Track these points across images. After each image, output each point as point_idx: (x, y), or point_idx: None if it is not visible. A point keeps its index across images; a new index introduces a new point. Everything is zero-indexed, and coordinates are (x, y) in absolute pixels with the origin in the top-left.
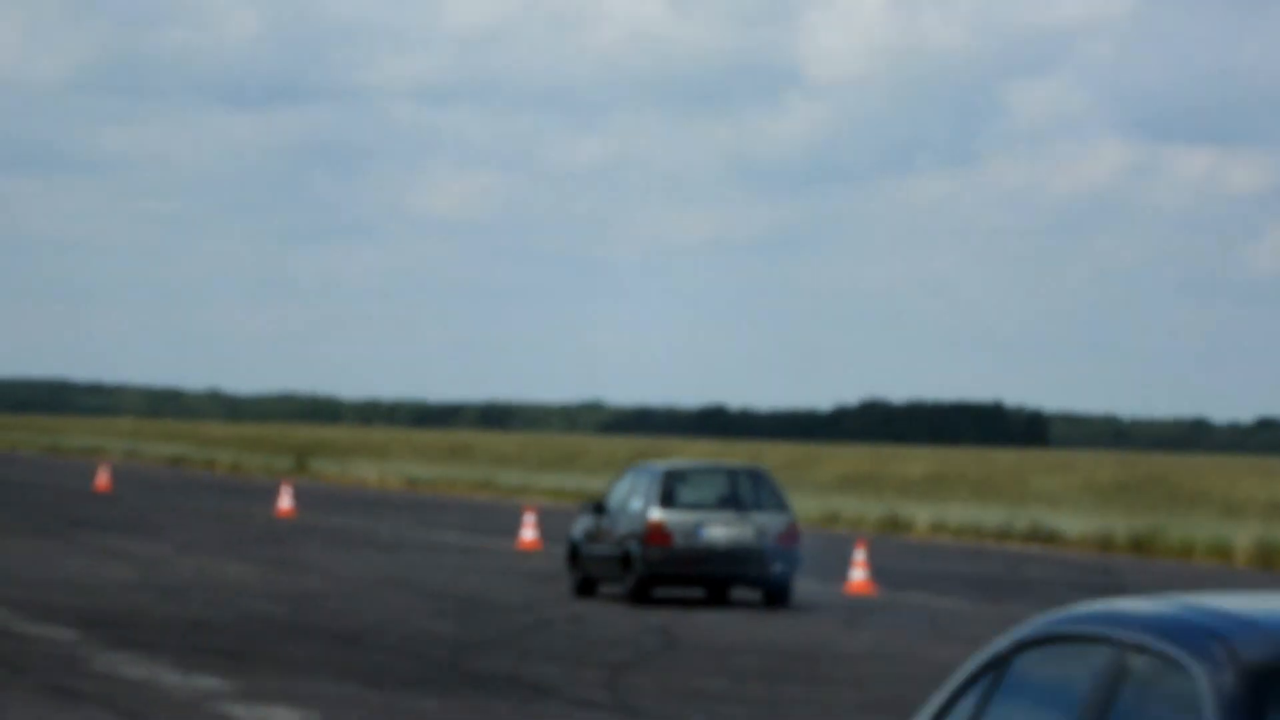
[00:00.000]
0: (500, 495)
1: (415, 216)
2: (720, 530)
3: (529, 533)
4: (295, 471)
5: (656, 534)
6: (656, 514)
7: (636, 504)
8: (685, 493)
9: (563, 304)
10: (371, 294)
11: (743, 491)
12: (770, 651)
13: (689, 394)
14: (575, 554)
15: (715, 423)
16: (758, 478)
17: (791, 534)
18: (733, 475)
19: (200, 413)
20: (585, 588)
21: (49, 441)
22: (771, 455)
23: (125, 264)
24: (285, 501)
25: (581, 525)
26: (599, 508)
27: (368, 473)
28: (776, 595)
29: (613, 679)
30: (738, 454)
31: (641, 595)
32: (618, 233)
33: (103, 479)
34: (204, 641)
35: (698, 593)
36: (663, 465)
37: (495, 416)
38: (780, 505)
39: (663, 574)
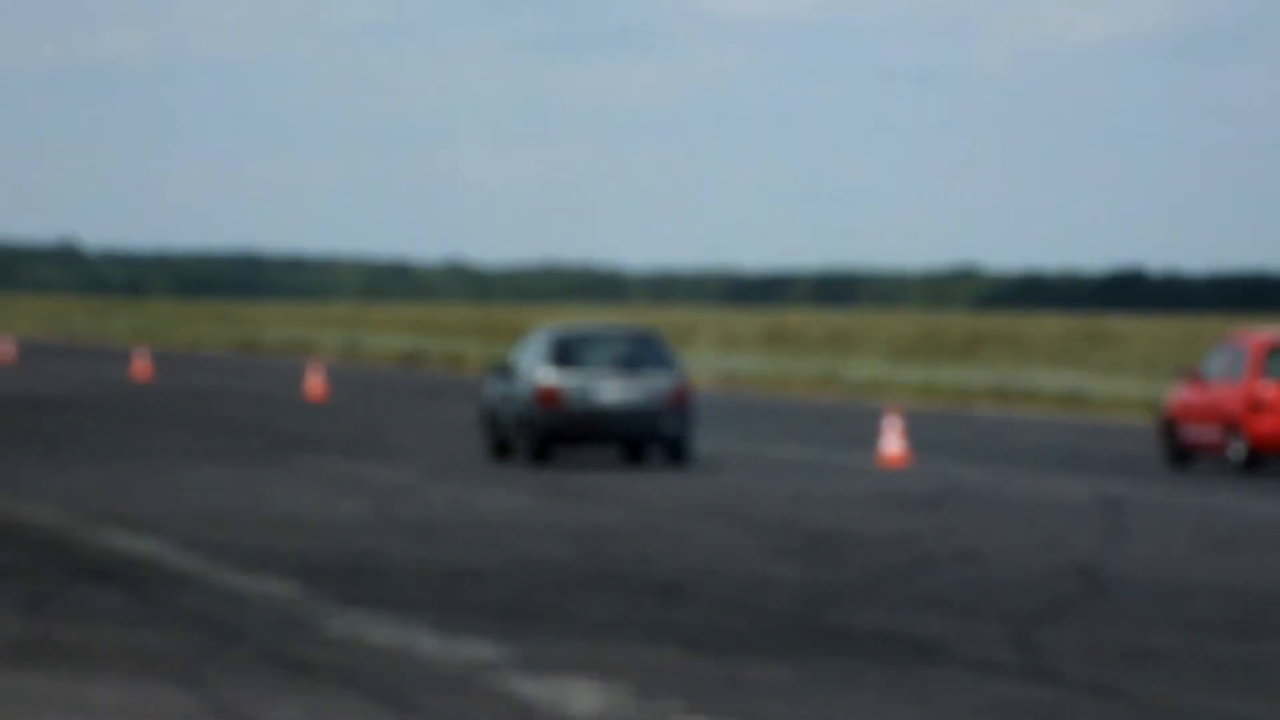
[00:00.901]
0: (849, 394)
1: (712, 18)
2: (611, 391)
3: (892, 443)
4: None
5: (550, 397)
6: (551, 377)
7: (533, 368)
8: (579, 356)
9: (911, 140)
10: (656, 125)
11: (634, 354)
12: (1234, 596)
13: (1091, 254)
14: (490, 418)
15: (1130, 290)
16: (648, 341)
17: (681, 395)
18: (625, 338)
19: (436, 292)
20: (499, 449)
21: (242, 335)
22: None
23: (327, 96)
24: None
25: (492, 388)
26: (503, 370)
27: None
28: (672, 453)
29: (1020, 635)
30: (1171, 333)
31: (541, 456)
32: (990, 36)
33: (316, 384)
34: (468, 596)
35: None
36: (557, 330)
37: (833, 290)
38: (670, 366)
39: (559, 435)
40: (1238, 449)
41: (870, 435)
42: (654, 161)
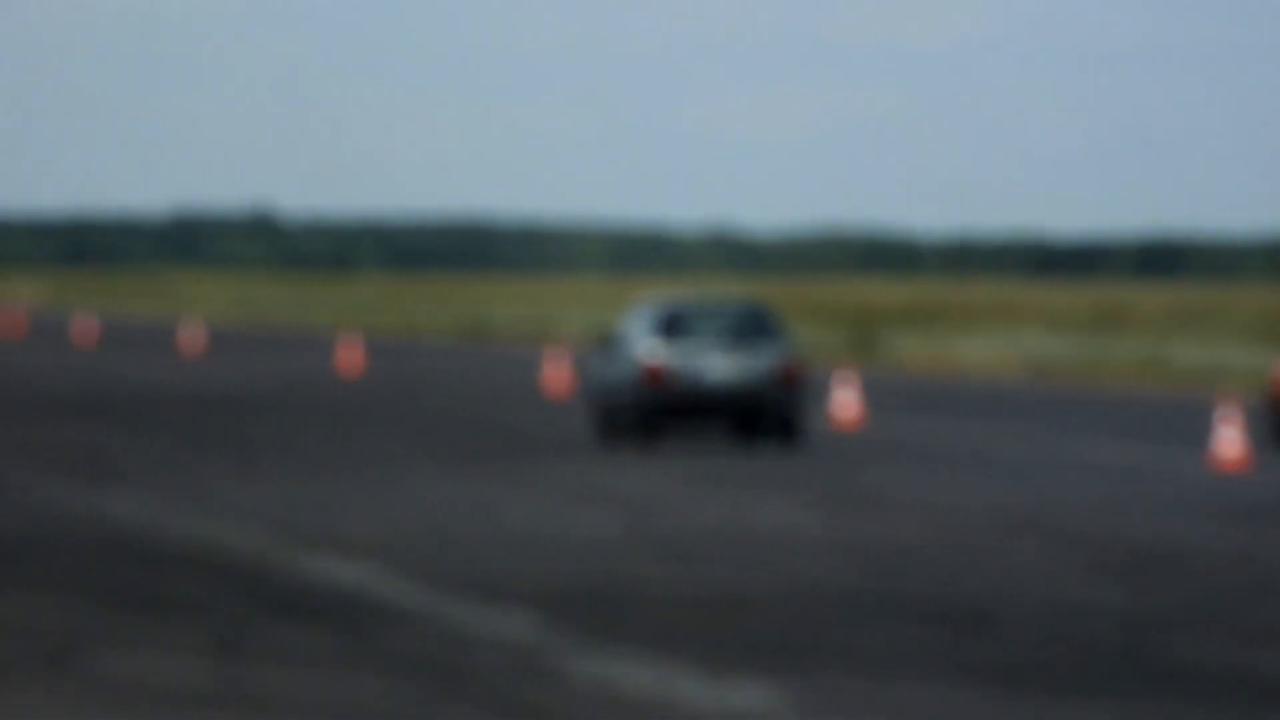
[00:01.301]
0: (1180, 383)
1: None
2: (720, 364)
3: (1229, 441)
4: (854, 351)
5: (654, 375)
6: (656, 354)
7: (637, 343)
8: (685, 330)
9: (1246, 85)
10: (948, 68)
11: (742, 327)
12: None
13: None
14: (595, 396)
15: None
16: (757, 313)
17: (791, 371)
18: (733, 312)
19: (695, 261)
20: (607, 430)
21: (468, 317)
22: None
23: (561, 31)
24: (846, 399)
25: (596, 364)
26: (606, 344)
27: (969, 351)
28: (782, 434)
29: None
30: None
31: (646, 434)
32: None
33: (556, 375)
34: (737, 629)
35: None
36: (661, 300)
37: (1161, 260)
38: (779, 340)
39: (663, 411)
40: None
41: (1203, 432)
42: (945, 112)
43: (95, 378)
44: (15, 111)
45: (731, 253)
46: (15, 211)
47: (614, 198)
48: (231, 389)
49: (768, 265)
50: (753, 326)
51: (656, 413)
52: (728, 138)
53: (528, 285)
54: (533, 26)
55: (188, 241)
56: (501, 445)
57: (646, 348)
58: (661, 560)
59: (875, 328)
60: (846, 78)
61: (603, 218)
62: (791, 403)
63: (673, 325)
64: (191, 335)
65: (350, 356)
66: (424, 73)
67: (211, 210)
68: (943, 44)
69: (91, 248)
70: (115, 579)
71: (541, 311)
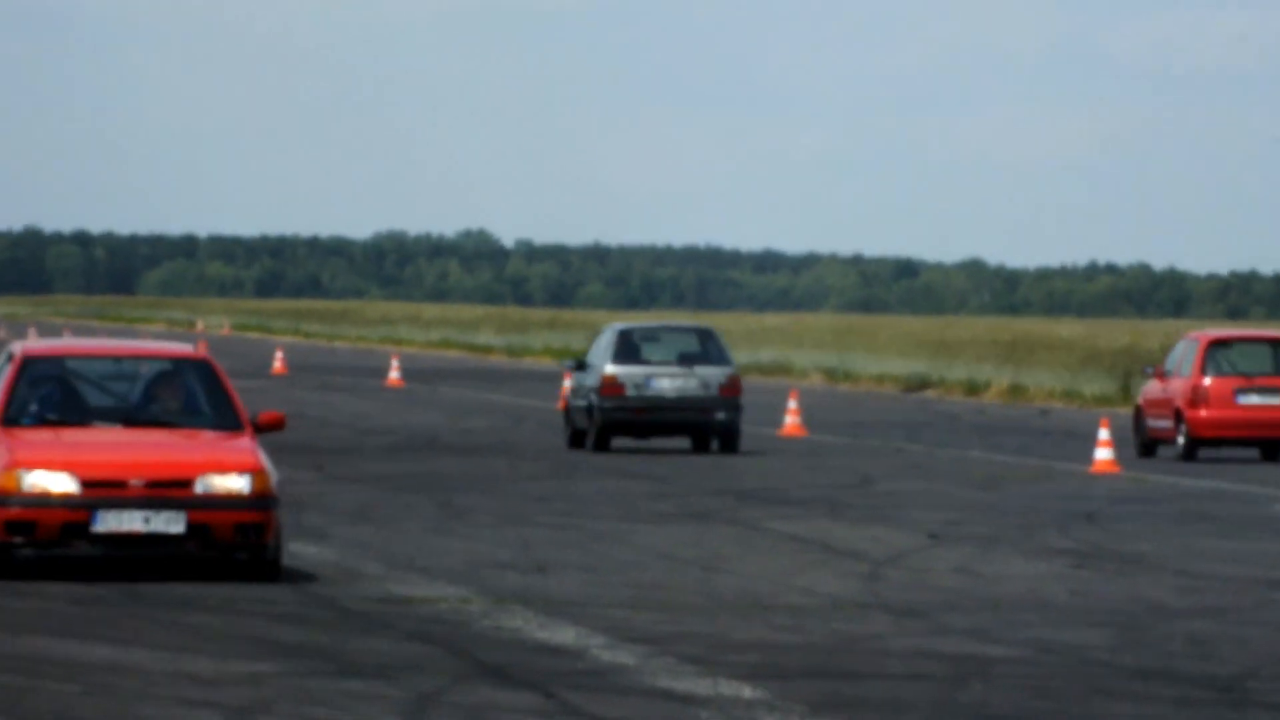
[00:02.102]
0: None
1: None
2: (668, 382)
3: None
4: (1122, 394)
5: (611, 386)
6: (611, 369)
7: (598, 361)
8: (640, 350)
9: None
10: None
11: (691, 348)
12: None
13: None
14: (569, 410)
15: None
16: (706, 336)
17: (733, 385)
18: (683, 333)
19: (951, 294)
20: (575, 440)
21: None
22: None
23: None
24: (1104, 444)
25: (571, 381)
26: (580, 365)
27: None
28: (723, 442)
29: None
30: None
31: (601, 444)
32: None
33: (790, 416)
34: (975, 698)
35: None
36: (620, 325)
37: None
38: (724, 360)
39: (617, 424)
40: (1181, 437)
41: None
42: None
43: (292, 412)
44: (231, 136)
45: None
46: (218, 235)
47: (858, 230)
48: (438, 427)
49: (1027, 300)
50: (700, 348)
51: (613, 421)
52: (982, 167)
53: (765, 320)
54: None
55: (392, 267)
56: (729, 492)
57: (607, 367)
58: (897, 621)
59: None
60: (1120, 100)
61: (845, 250)
62: (732, 415)
63: (629, 346)
64: (397, 367)
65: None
66: (662, 96)
67: (423, 234)
68: (1214, 65)
69: (291, 273)
70: (306, 635)
71: (781, 348)
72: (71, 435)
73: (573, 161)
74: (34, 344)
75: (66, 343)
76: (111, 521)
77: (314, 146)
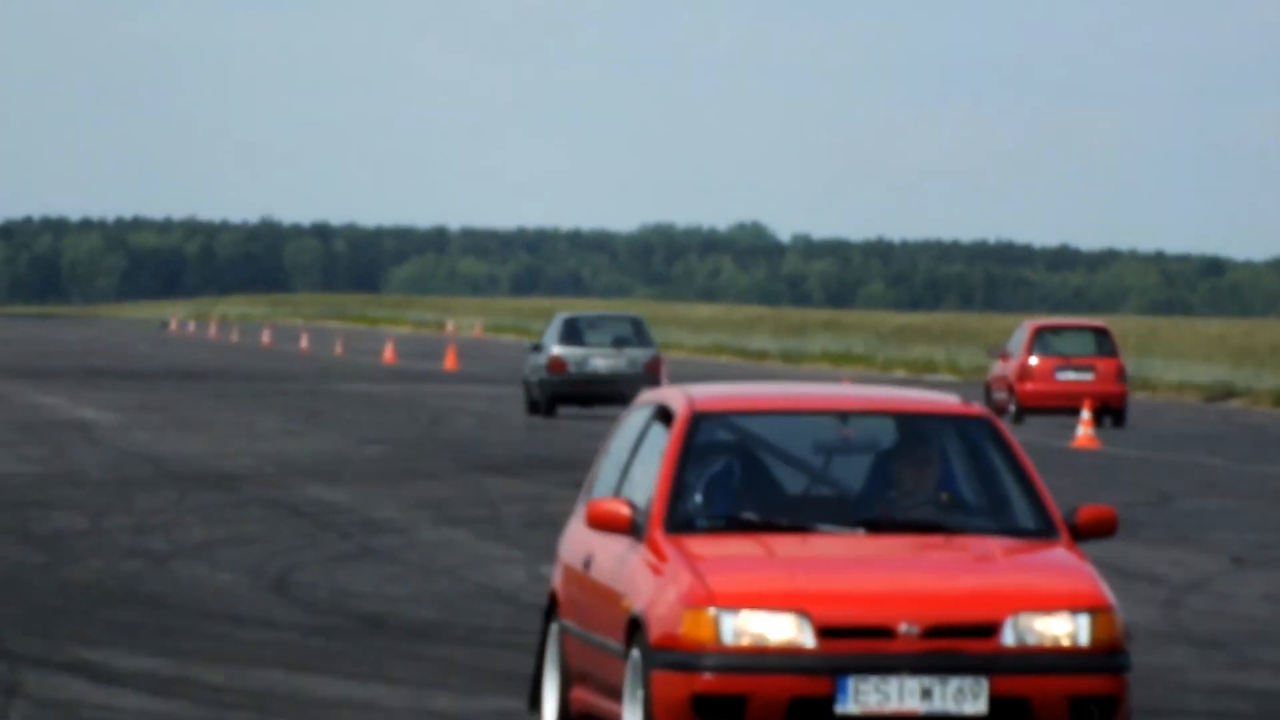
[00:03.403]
0: None
1: None
2: (601, 361)
3: None
4: None
5: (556, 364)
6: (557, 350)
7: (548, 343)
8: (581, 334)
9: None
10: None
11: (624, 333)
12: None
13: None
14: (526, 382)
15: None
16: (637, 323)
17: (654, 364)
18: (616, 320)
19: (1259, 293)
20: (532, 409)
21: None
22: None
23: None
24: None
25: (528, 361)
26: (537, 347)
27: None
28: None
29: None
30: None
31: (549, 410)
32: None
33: (1082, 426)
34: None
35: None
36: (565, 314)
37: None
38: (649, 343)
39: (560, 395)
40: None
41: None
42: None
43: (552, 435)
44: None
45: None
46: (470, 228)
47: (1160, 224)
48: None
49: None
50: (630, 334)
51: (557, 393)
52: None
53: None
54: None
55: (659, 263)
56: None
57: (553, 348)
58: (1197, 652)
59: None
60: None
61: (1146, 246)
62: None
63: (571, 332)
64: (665, 374)
65: None
66: (946, 83)
67: (692, 228)
68: None
69: (549, 270)
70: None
71: None
72: (786, 547)
73: (853, 150)
74: (701, 393)
75: (745, 392)
76: (871, 697)
77: (572, 133)
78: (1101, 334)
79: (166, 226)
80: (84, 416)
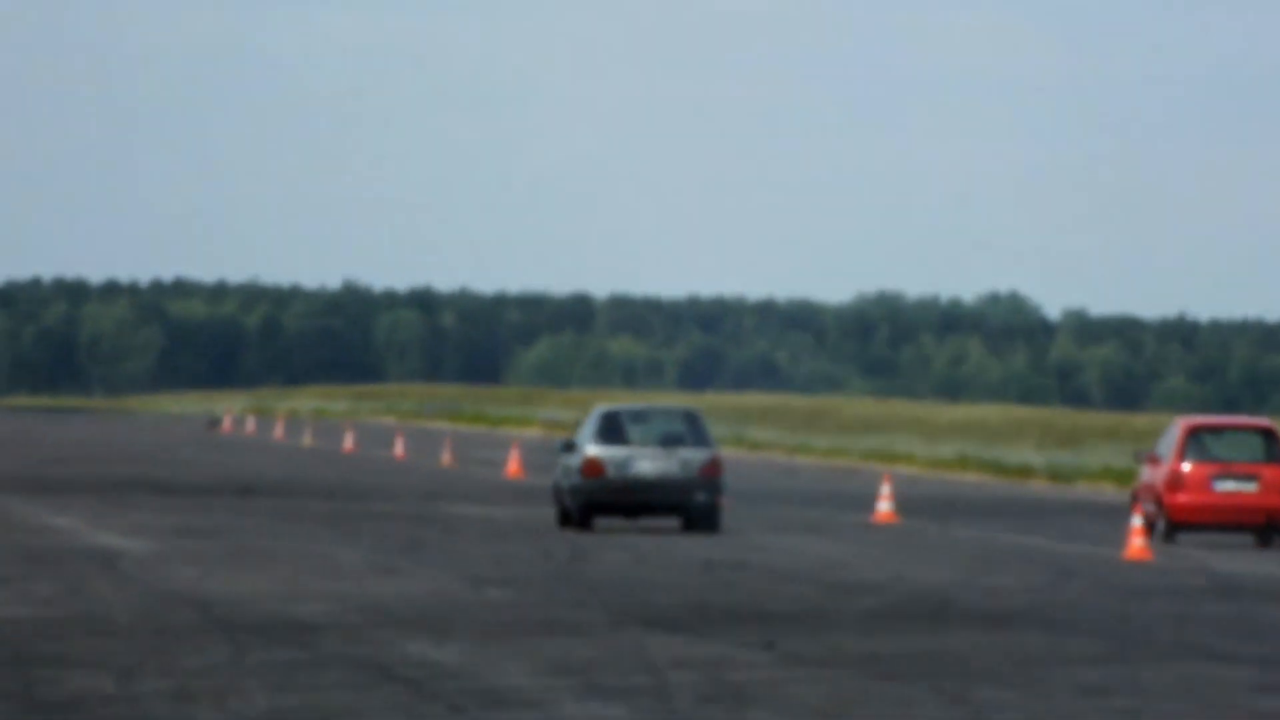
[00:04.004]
0: None
1: None
2: (647, 464)
3: None
4: None
5: (592, 467)
6: (593, 450)
7: (583, 442)
8: (622, 431)
9: None
10: None
11: (674, 429)
12: None
13: None
14: (557, 488)
15: None
16: (691, 416)
17: (711, 467)
18: (667, 415)
19: None
20: (563, 520)
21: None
22: None
23: None
24: None
25: (560, 463)
26: (570, 446)
27: None
28: (703, 522)
29: None
30: None
31: (583, 522)
32: None
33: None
34: None
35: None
36: (604, 407)
37: None
38: (705, 442)
39: (597, 504)
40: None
41: None
42: None
43: (744, 567)
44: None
45: None
46: (622, 296)
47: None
48: (947, 584)
49: None
50: (683, 430)
51: (594, 501)
52: None
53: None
54: None
55: (882, 346)
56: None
57: (589, 447)
58: None
59: None
60: None
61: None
62: (712, 496)
63: (611, 428)
64: (888, 494)
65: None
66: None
67: (927, 297)
68: None
69: (730, 352)
70: None
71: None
72: None
73: (1146, 211)
74: None
75: None
76: None
77: (765, 175)
78: (1270, 435)
79: (218, 293)
80: (108, 544)
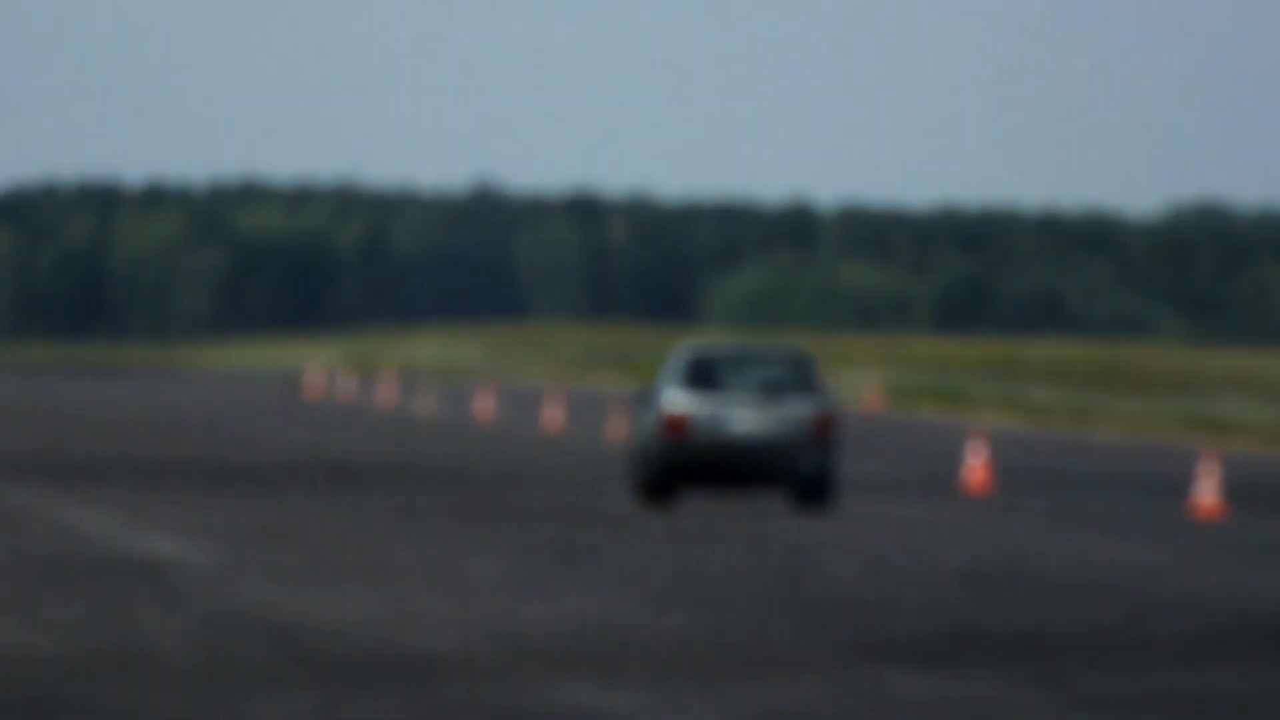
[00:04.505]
0: None
1: None
2: (744, 417)
3: None
4: None
5: (674, 425)
6: (675, 402)
7: (663, 392)
8: (714, 380)
9: None
10: None
11: (776, 375)
12: None
13: None
14: (630, 455)
15: None
16: (795, 364)
17: (825, 423)
18: (769, 358)
19: None
20: (642, 490)
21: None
22: None
23: None
24: None
25: (636, 420)
26: (644, 398)
27: None
28: (811, 494)
29: None
30: None
31: (658, 494)
32: None
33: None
34: None
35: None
36: (691, 346)
37: None
38: (816, 392)
39: (681, 469)
40: None
41: None
42: None
43: (996, 566)
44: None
45: None
46: (862, 206)
47: None
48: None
49: None
50: (788, 378)
51: (676, 466)
52: None
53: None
54: None
55: (1204, 279)
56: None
57: (670, 398)
58: None
59: None
60: None
61: None
62: (824, 461)
63: (700, 374)
64: (1213, 476)
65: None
66: None
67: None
68: None
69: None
70: None
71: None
72: None
73: None
74: None
75: None
76: None
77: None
78: None
79: (300, 199)
80: (154, 552)
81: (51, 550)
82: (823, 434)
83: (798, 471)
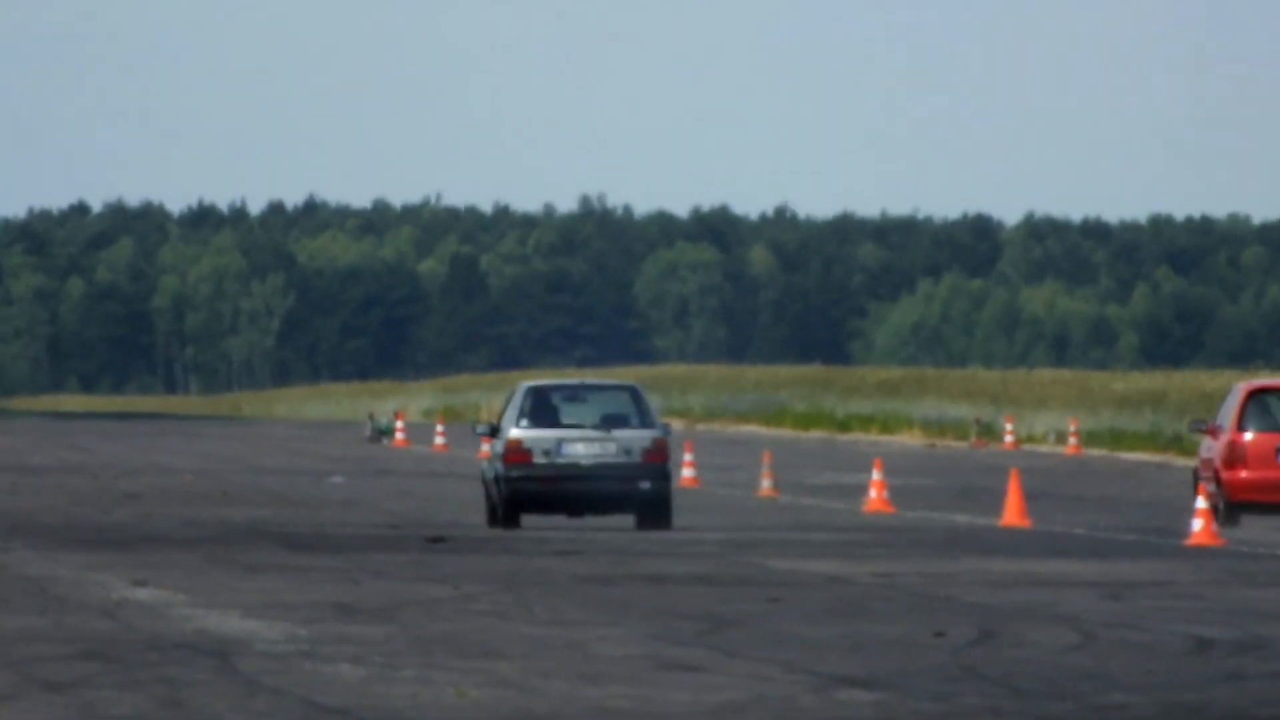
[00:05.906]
0: None
1: None
2: (582, 447)
3: None
4: None
5: (516, 452)
6: (517, 432)
7: (506, 424)
8: (551, 411)
9: None
10: None
11: (613, 408)
12: None
13: None
14: (484, 483)
15: None
16: (634, 392)
17: (658, 451)
18: (605, 391)
19: None
20: (491, 519)
21: None
22: None
23: None
24: None
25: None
26: (493, 430)
27: None
28: (649, 517)
29: None
30: None
31: (508, 520)
32: None
33: None
34: None
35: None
36: (530, 383)
37: None
38: (650, 423)
39: (524, 497)
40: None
41: None
42: None
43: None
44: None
45: None
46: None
47: None
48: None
49: None
50: (627, 407)
51: (519, 493)
52: None
53: None
54: None
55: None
56: None
57: (514, 431)
58: None
59: None
60: None
61: None
62: (664, 485)
63: (540, 405)
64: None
65: None
66: None
67: None
68: None
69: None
70: None
71: None
72: None
73: None
74: None
75: None
76: None
77: None
78: None
79: (374, 222)
80: (222, 629)
81: (101, 628)
82: (658, 459)
83: (638, 496)
